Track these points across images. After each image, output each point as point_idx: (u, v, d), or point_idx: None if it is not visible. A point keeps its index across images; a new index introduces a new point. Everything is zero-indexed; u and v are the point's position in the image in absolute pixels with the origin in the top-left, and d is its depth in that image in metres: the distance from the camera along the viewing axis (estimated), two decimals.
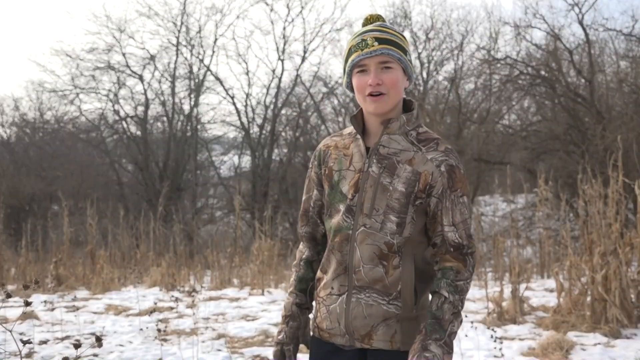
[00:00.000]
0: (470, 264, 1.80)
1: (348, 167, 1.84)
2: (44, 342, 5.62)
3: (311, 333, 1.96)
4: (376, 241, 1.77)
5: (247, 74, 21.81)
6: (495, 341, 4.47)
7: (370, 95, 1.78)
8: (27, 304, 1.92)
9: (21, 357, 2.05)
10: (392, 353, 1.79)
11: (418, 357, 1.68)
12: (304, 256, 2.00)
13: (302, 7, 20.99)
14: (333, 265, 1.84)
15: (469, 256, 1.80)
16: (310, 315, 2.00)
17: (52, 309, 6.89)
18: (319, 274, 1.92)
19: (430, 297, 1.84)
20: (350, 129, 1.93)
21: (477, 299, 7.74)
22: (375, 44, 1.77)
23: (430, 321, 1.73)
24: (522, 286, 6.54)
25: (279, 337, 1.95)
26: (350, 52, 1.82)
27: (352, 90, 1.86)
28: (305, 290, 1.98)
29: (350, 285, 1.80)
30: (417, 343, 1.71)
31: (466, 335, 5.38)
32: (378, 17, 1.86)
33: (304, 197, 2.01)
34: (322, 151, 1.94)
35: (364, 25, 1.87)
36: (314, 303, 1.98)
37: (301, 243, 2.04)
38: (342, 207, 1.82)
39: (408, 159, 1.79)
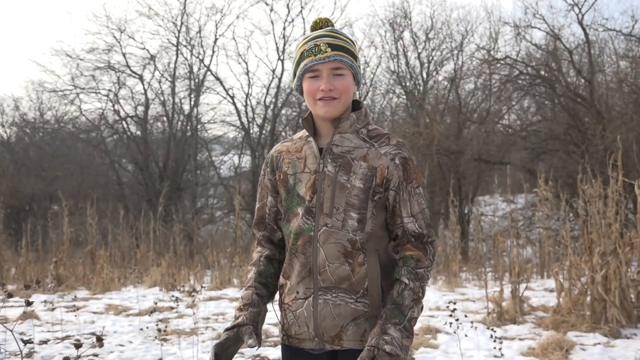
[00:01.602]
0: (430, 253, 1.81)
1: (303, 170, 1.84)
2: (44, 342, 5.62)
3: (281, 342, 1.93)
4: (339, 239, 1.77)
5: (247, 74, 21.85)
6: (495, 341, 4.47)
7: (322, 99, 1.80)
8: (29, 303, 1.93)
9: (22, 357, 2.06)
10: None
11: (376, 341, 1.68)
12: (264, 254, 1.95)
13: (302, 7, 21.01)
14: (297, 269, 1.82)
15: (429, 245, 1.82)
16: (275, 320, 1.96)
17: (52, 309, 6.89)
18: (281, 280, 1.89)
19: None
20: (300, 133, 1.94)
21: (477, 299, 7.74)
22: (329, 50, 1.78)
23: (390, 306, 1.73)
24: (522, 286, 6.54)
25: (237, 321, 1.83)
26: (302, 57, 1.82)
27: (301, 93, 1.87)
28: (264, 285, 1.92)
29: (315, 287, 1.78)
30: (377, 327, 1.72)
31: (466, 335, 5.38)
32: (327, 22, 1.88)
33: (257, 205, 1.98)
34: (274, 157, 1.93)
35: (312, 29, 1.88)
36: (277, 308, 1.95)
37: (258, 247, 2.00)
38: (300, 210, 1.82)
39: (362, 156, 1.80)
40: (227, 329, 1.82)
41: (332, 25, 1.88)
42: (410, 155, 1.83)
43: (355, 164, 1.79)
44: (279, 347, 5.31)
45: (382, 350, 1.66)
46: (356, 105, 1.90)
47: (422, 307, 1.79)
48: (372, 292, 1.78)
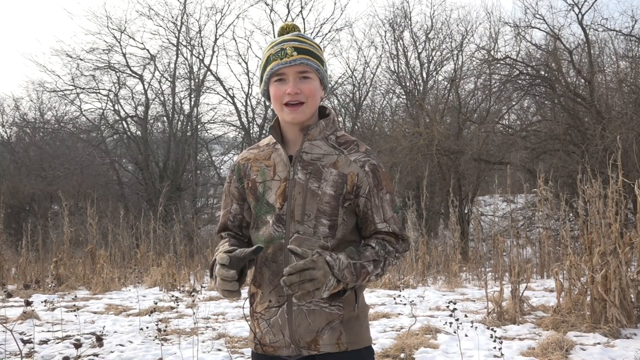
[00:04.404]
0: (401, 245, 1.84)
1: (272, 178, 1.83)
2: (44, 341, 5.61)
3: (253, 351, 1.90)
4: (311, 246, 1.76)
5: (247, 74, 21.86)
6: (495, 341, 4.46)
7: (287, 104, 1.79)
8: (28, 303, 1.93)
9: (21, 357, 2.06)
10: (341, 355, 1.78)
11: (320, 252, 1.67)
12: (231, 237, 1.92)
13: (302, 7, 21.03)
14: (267, 277, 1.81)
15: (402, 241, 1.85)
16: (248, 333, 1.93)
17: (53, 309, 6.89)
18: (252, 288, 1.87)
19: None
20: (266, 140, 1.93)
21: (477, 298, 7.74)
22: (295, 53, 1.79)
23: (351, 249, 1.76)
24: (522, 286, 6.54)
25: (225, 249, 1.78)
26: (268, 61, 1.82)
27: (268, 98, 1.87)
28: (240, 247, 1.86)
29: (289, 294, 1.74)
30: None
31: (466, 335, 5.38)
32: (294, 27, 1.89)
33: (221, 212, 1.97)
34: (241, 165, 1.91)
35: (279, 34, 1.89)
36: (247, 313, 1.92)
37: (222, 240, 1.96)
38: (269, 218, 1.81)
39: (332, 163, 1.81)
40: (222, 253, 1.76)
41: (299, 31, 1.89)
42: (379, 162, 1.84)
43: (325, 171, 1.79)
44: None
45: (322, 256, 1.66)
46: (323, 111, 1.90)
47: (380, 275, 1.78)
48: (346, 294, 1.78)
